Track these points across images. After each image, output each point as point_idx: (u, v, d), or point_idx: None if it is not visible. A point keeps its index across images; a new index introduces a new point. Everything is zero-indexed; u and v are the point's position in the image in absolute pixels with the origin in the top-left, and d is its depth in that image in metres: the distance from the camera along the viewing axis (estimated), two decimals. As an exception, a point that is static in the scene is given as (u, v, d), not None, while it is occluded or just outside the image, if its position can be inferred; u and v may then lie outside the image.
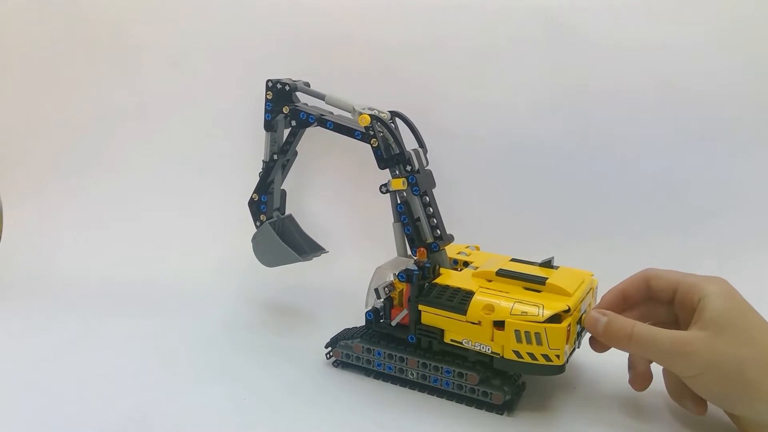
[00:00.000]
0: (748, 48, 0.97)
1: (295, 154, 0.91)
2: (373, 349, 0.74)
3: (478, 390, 0.69)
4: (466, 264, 0.80)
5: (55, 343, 0.83)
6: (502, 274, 0.71)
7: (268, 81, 0.86)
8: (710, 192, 1.01)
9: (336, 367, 0.78)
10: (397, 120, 0.85)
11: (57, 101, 1.13)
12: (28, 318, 0.91)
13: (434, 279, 0.73)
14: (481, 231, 0.97)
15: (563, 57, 1.00)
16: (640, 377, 0.68)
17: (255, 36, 1.07)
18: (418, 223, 0.79)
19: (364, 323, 0.76)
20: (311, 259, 0.90)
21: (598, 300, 0.72)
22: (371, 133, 0.79)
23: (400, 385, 0.74)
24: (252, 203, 0.90)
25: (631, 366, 0.70)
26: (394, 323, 0.72)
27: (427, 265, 0.73)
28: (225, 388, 0.73)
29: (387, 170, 0.80)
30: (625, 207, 1.02)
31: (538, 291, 0.68)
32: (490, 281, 0.71)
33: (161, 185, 1.13)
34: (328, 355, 0.78)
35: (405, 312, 0.71)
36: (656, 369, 0.68)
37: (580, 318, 0.69)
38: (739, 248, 0.99)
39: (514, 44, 1.01)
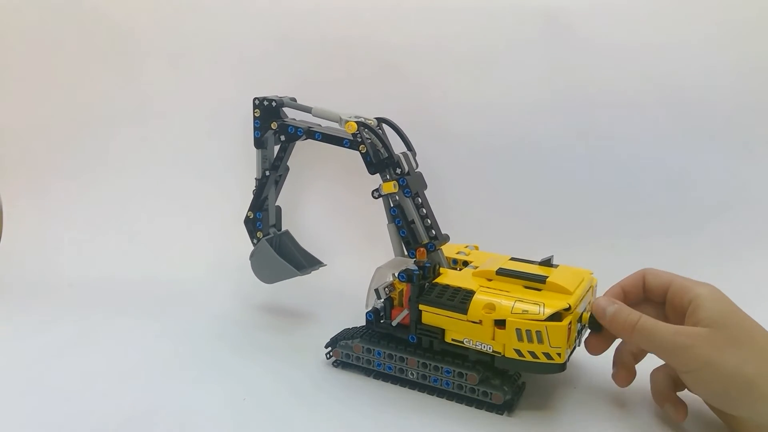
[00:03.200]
0: (748, 47, 0.98)
1: (287, 169, 0.92)
2: (373, 349, 0.74)
3: (479, 390, 0.69)
4: (465, 264, 0.80)
5: (55, 343, 0.83)
6: (502, 273, 0.71)
7: (255, 99, 0.87)
8: (711, 191, 1.01)
9: (336, 367, 0.78)
10: (386, 127, 0.86)
11: (57, 101, 1.13)
12: (28, 318, 0.90)
13: (434, 279, 0.73)
14: (481, 231, 0.97)
15: (563, 57, 1.00)
16: (624, 372, 0.69)
17: (255, 37, 1.07)
18: (413, 225, 0.80)
19: (364, 323, 0.76)
20: (309, 272, 0.91)
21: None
22: (359, 139, 0.80)
23: (400, 385, 0.74)
24: (248, 221, 0.91)
25: (616, 362, 0.71)
26: (394, 323, 0.72)
27: (427, 264, 0.73)
28: (225, 387, 0.73)
29: (378, 175, 0.81)
30: (625, 206, 1.02)
31: (539, 290, 0.69)
32: (490, 280, 0.72)
33: (161, 186, 1.13)
34: (328, 355, 0.79)
35: (405, 312, 0.71)
36: (642, 369, 0.69)
37: (581, 316, 0.69)
38: (739, 248, 1.00)
39: (514, 44, 1.01)
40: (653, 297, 0.69)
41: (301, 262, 0.93)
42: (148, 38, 1.10)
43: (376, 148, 0.80)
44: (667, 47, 0.98)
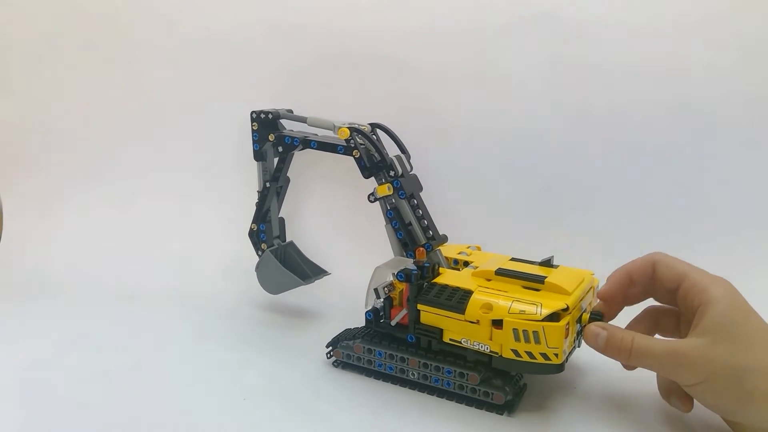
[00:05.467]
0: (749, 48, 0.97)
1: (288, 180, 0.93)
2: (374, 350, 0.74)
3: (479, 390, 0.68)
4: (466, 264, 0.80)
5: (55, 343, 0.84)
6: (501, 273, 0.71)
7: (252, 113, 0.88)
8: (712, 191, 1.00)
9: (337, 367, 0.78)
10: (380, 132, 0.87)
11: (57, 101, 1.14)
12: (28, 318, 0.91)
13: (433, 278, 0.73)
14: (482, 231, 0.97)
15: (564, 57, 1.00)
16: None
17: (255, 36, 1.07)
18: (410, 227, 0.80)
19: (364, 323, 0.76)
20: (314, 282, 0.92)
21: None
22: (352, 145, 0.81)
23: (401, 386, 0.74)
24: (251, 233, 0.92)
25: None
26: (393, 323, 0.72)
27: (426, 264, 0.73)
28: (224, 388, 0.73)
29: (374, 179, 0.82)
30: (626, 207, 1.02)
31: (537, 290, 0.68)
32: (489, 280, 0.71)
33: (162, 185, 1.14)
34: (328, 356, 0.79)
35: (404, 312, 0.71)
36: (641, 374, 0.68)
37: (580, 317, 0.68)
38: (739, 248, 0.99)
39: (515, 44, 1.01)
40: (665, 286, 0.67)
41: (306, 271, 0.94)
42: (149, 39, 1.11)
43: (370, 153, 0.81)
44: (668, 47, 0.98)
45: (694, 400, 0.64)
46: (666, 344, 0.61)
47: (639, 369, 0.69)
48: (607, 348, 0.65)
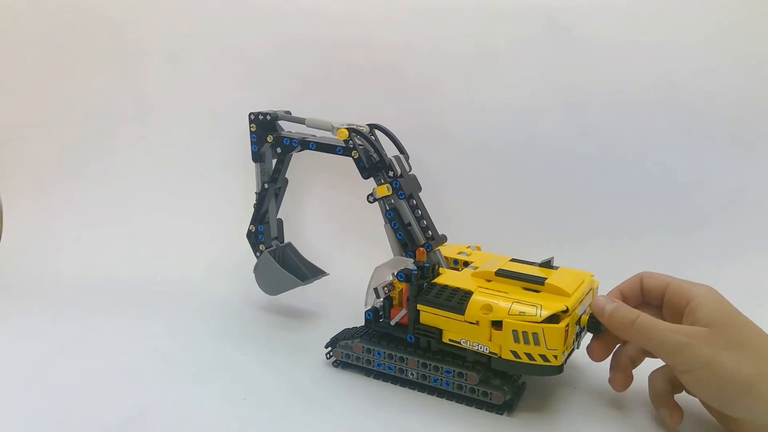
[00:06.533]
0: (749, 48, 0.97)
1: (286, 181, 0.93)
2: (373, 349, 0.74)
3: (478, 390, 0.69)
4: (466, 264, 0.80)
5: (55, 343, 0.84)
6: (501, 274, 0.71)
7: (250, 114, 0.88)
8: (711, 192, 1.00)
9: (336, 367, 0.78)
10: (379, 133, 0.87)
11: (57, 101, 1.14)
12: (28, 318, 0.91)
13: (433, 279, 0.73)
14: (482, 231, 0.97)
15: (562, 57, 1.00)
16: (621, 376, 0.69)
17: (254, 38, 1.07)
18: (410, 228, 0.80)
19: (363, 323, 0.76)
20: (312, 282, 0.92)
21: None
22: (351, 145, 0.81)
23: (400, 385, 0.74)
24: (250, 234, 0.93)
25: (614, 366, 0.71)
26: (393, 323, 0.72)
27: (426, 265, 0.73)
28: (224, 388, 0.73)
29: (373, 180, 0.82)
30: (626, 207, 1.01)
31: (537, 291, 0.68)
32: (489, 281, 0.71)
33: (161, 185, 1.14)
34: (328, 355, 0.79)
35: (404, 311, 0.71)
36: (640, 373, 0.69)
37: (579, 318, 0.69)
38: (739, 248, 0.99)
39: (514, 44, 1.01)
40: (651, 299, 0.69)
41: (304, 272, 0.94)
42: (148, 38, 1.10)
43: (369, 154, 0.81)
44: (668, 46, 0.98)
45: (684, 413, 0.65)
46: (671, 324, 0.62)
47: (638, 368, 0.70)
48: (612, 318, 0.65)
